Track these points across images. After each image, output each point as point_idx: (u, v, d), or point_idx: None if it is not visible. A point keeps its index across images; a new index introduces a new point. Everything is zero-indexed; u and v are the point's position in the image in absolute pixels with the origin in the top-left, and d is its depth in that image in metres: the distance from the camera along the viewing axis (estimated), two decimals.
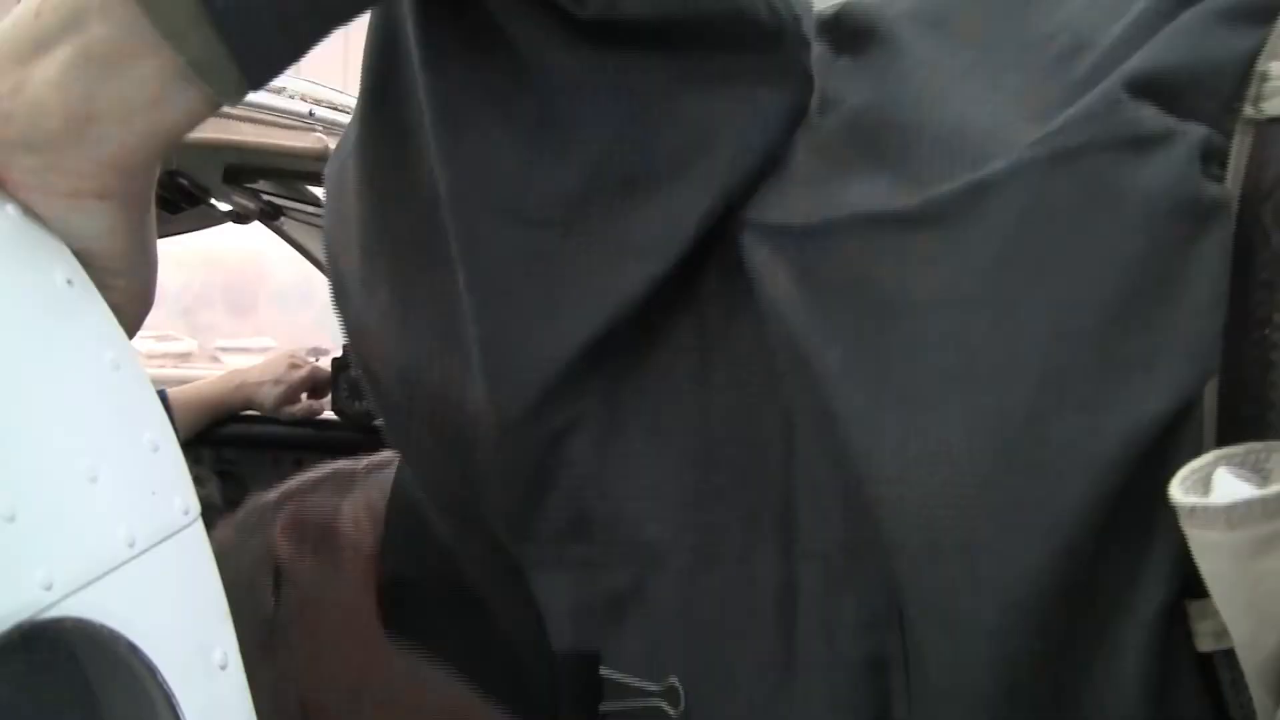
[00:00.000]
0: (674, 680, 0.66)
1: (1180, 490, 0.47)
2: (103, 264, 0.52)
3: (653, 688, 0.66)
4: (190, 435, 1.77)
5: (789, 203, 0.61)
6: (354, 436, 1.73)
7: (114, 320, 0.51)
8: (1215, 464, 0.48)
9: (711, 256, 0.63)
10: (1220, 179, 0.53)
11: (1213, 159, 0.53)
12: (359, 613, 0.81)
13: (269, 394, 1.82)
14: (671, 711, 0.66)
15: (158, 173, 0.55)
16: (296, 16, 0.52)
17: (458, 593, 0.78)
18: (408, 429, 0.71)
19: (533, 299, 0.62)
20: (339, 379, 1.77)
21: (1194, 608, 0.52)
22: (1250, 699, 0.50)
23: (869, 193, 0.59)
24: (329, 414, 1.83)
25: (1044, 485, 0.53)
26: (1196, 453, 0.50)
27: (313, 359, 1.93)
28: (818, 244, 0.60)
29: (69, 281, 0.50)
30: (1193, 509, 0.46)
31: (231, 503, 1.54)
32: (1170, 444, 0.52)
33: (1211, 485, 0.47)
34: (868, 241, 0.58)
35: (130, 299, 0.55)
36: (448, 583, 0.78)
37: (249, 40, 0.50)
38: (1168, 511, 0.49)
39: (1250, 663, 0.49)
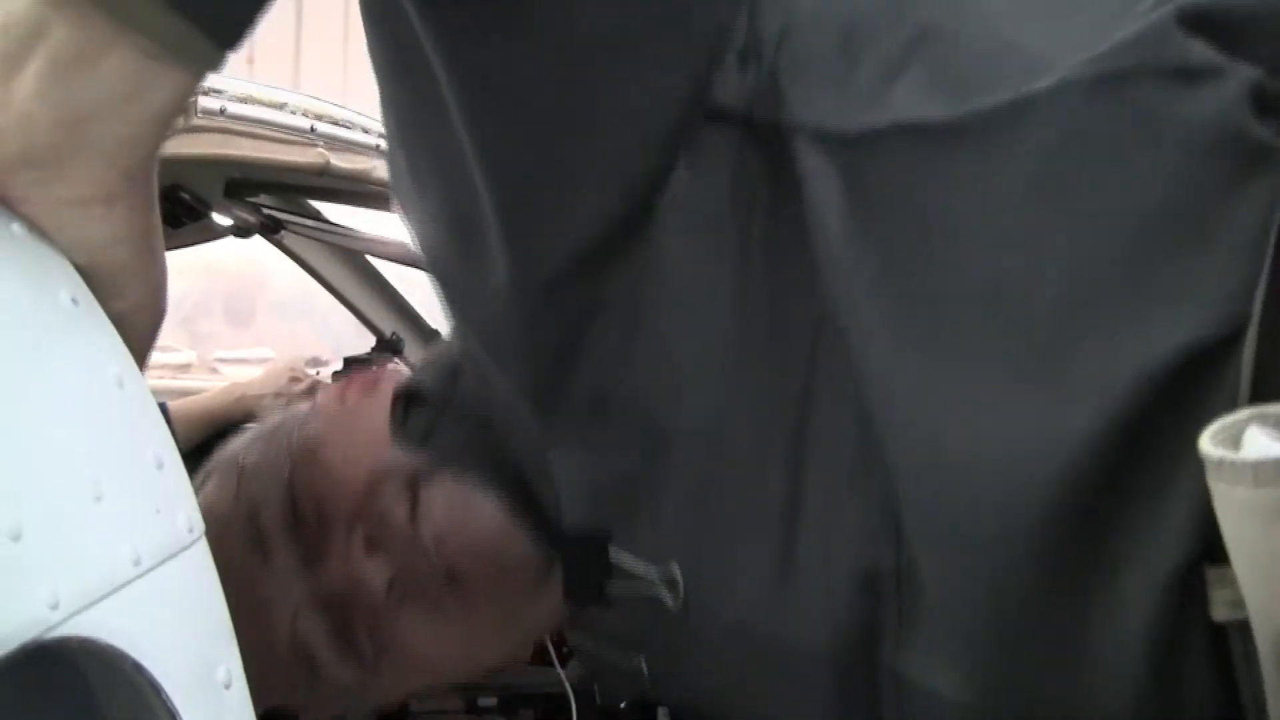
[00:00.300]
0: (675, 568, 0.67)
1: (1210, 443, 0.47)
2: (113, 272, 0.52)
3: (655, 575, 0.68)
4: (191, 448, 1.77)
5: (846, 111, 0.61)
6: None
7: (118, 337, 0.51)
8: (1248, 421, 0.47)
9: (760, 157, 0.63)
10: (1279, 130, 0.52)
11: (1270, 108, 0.52)
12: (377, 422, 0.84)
13: (270, 407, 1.82)
14: (670, 601, 0.68)
15: (157, 170, 0.54)
16: None
17: (481, 440, 0.79)
18: (449, 310, 0.74)
19: (544, 182, 0.64)
20: None
21: (1213, 573, 0.52)
22: (1260, 673, 0.50)
23: (916, 102, 0.60)
24: None
25: (1056, 411, 0.53)
26: (1230, 408, 0.49)
27: (312, 370, 1.93)
28: (866, 153, 0.60)
29: (73, 300, 0.50)
30: (1220, 462, 0.46)
31: None
32: (1199, 393, 0.51)
33: (1242, 442, 0.47)
34: (911, 153, 0.59)
35: (142, 307, 0.55)
36: (472, 425, 0.80)
37: (210, 13, 0.49)
38: (1196, 469, 0.48)
39: (1263, 633, 0.48)
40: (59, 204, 0.50)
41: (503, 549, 0.79)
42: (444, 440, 0.81)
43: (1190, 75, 0.53)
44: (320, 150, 1.12)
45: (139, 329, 0.54)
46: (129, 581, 0.44)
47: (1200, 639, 0.53)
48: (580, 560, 0.74)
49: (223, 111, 1.02)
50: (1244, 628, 0.50)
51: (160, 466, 0.49)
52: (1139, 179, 0.53)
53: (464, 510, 0.79)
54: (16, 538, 0.41)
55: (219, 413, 1.83)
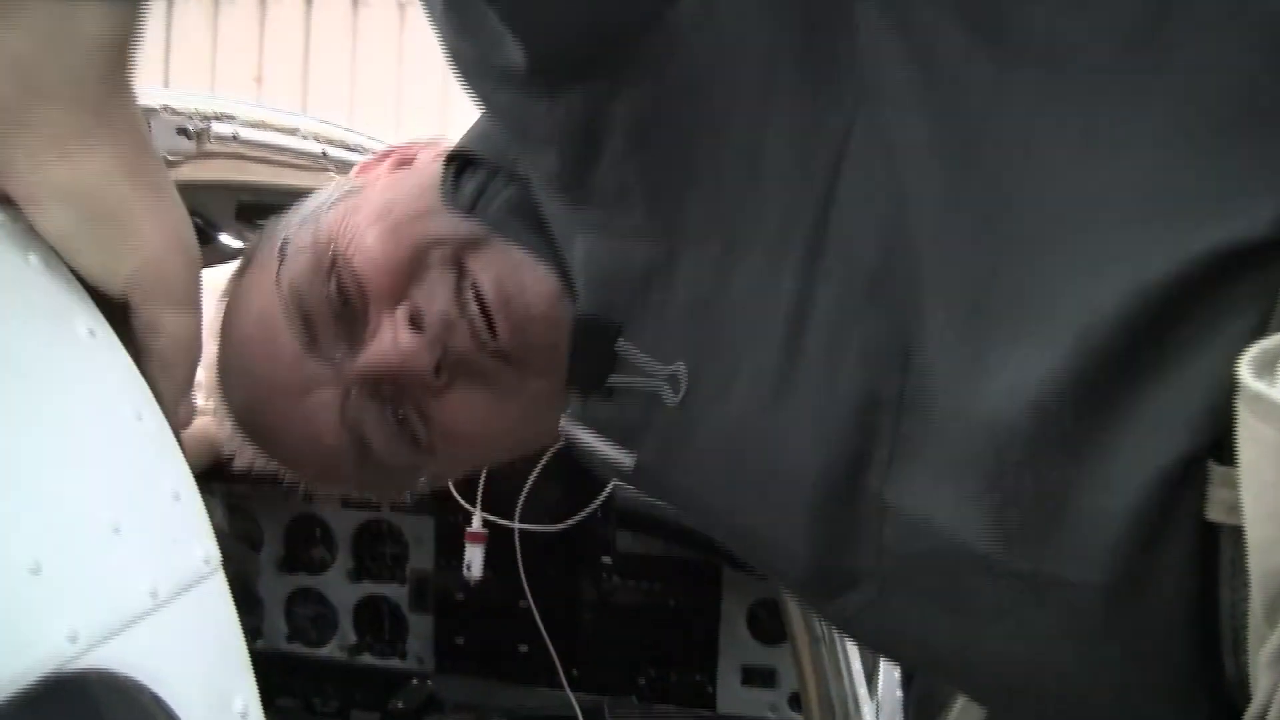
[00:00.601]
0: (679, 367, 0.67)
1: (1250, 370, 0.46)
2: (114, 210, 0.52)
3: (660, 369, 0.68)
4: (201, 470, 1.77)
5: None
6: None
7: (135, 370, 0.52)
8: None
9: None
10: None
11: None
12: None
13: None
14: (670, 398, 0.68)
15: (133, 110, 0.53)
16: None
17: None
18: (477, 101, 0.75)
19: None
20: None
21: (1217, 472, 0.51)
22: (1245, 584, 0.49)
23: None
24: None
25: (1096, 271, 0.53)
26: (1268, 310, 0.49)
27: None
28: None
29: (91, 332, 0.50)
30: (1256, 395, 0.45)
31: (242, 535, 1.54)
32: (1237, 290, 0.51)
33: (1277, 372, 0.46)
34: None
35: (164, 249, 0.54)
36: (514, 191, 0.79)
37: None
38: (1221, 365, 0.48)
39: (1258, 568, 0.48)
40: (35, 155, 0.50)
41: (552, 318, 0.77)
42: (497, 201, 0.80)
43: None
44: (332, 175, 1.12)
45: (169, 274, 0.54)
46: (147, 613, 0.45)
47: (1189, 533, 0.53)
48: (588, 347, 0.73)
49: (235, 137, 1.02)
50: (1236, 534, 0.49)
51: (177, 498, 0.49)
52: (1229, 62, 0.52)
53: (514, 280, 0.77)
54: (36, 571, 0.41)
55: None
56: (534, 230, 0.77)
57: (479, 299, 0.75)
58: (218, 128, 0.98)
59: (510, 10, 0.64)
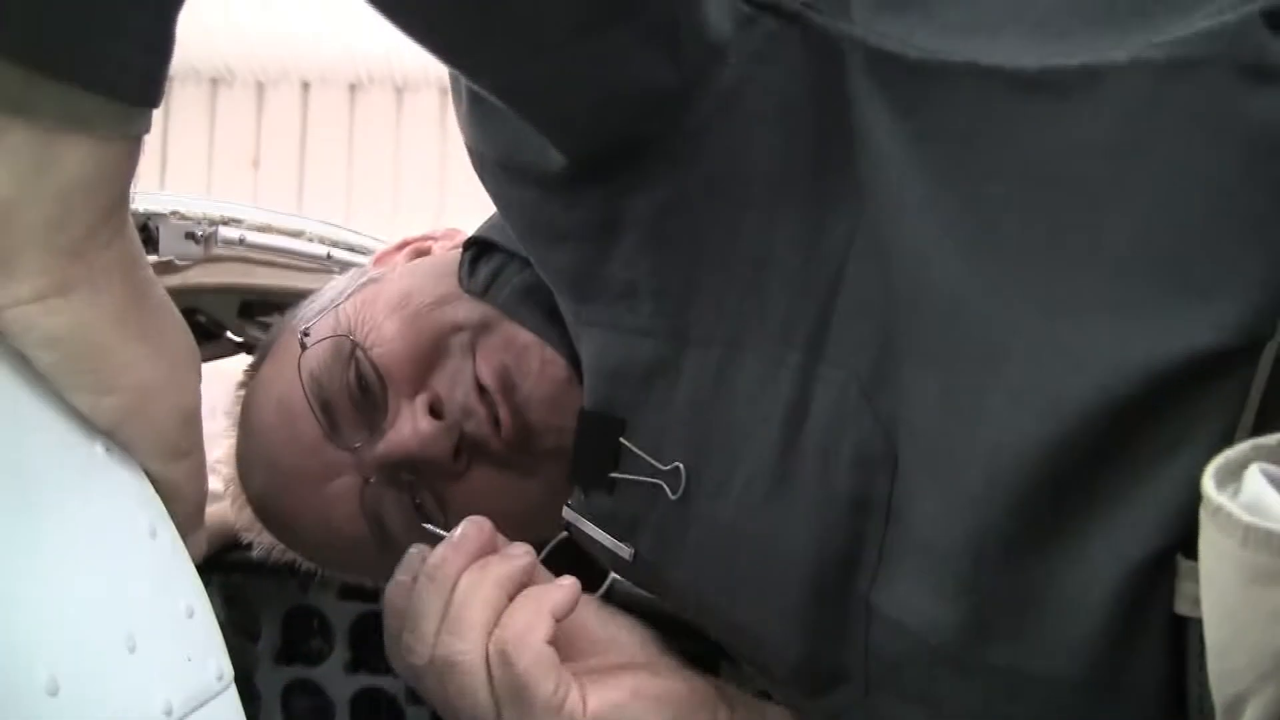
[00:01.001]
0: (679, 465, 0.69)
1: (1213, 479, 0.47)
2: (87, 361, 0.49)
3: (661, 467, 0.70)
4: (199, 561, 1.76)
5: (910, 36, 0.61)
6: None
7: (150, 486, 0.53)
8: (1250, 456, 0.47)
9: (814, 62, 0.63)
10: None
11: None
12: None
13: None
14: (671, 494, 0.69)
15: (123, 254, 0.50)
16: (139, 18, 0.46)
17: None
18: (496, 197, 0.76)
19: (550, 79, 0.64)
20: None
21: (1185, 566, 0.52)
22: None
23: (991, 46, 0.60)
24: None
25: (1061, 374, 0.54)
26: (1236, 414, 0.51)
27: None
28: (928, 83, 0.60)
29: (106, 449, 0.51)
30: (1217, 508, 0.46)
31: (239, 628, 1.54)
32: (1207, 394, 0.52)
33: (1243, 481, 0.46)
34: (979, 93, 0.59)
35: (140, 403, 0.51)
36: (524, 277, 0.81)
37: (103, 77, 0.45)
38: (1189, 465, 0.49)
39: (1215, 669, 0.49)
40: (21, 304, 0.47)
41: (560, 401, 0.79)
42: (511, 285, 0.82)
43: (1263, 74, 0.53)
44: (336, 276, 1.14)
45: (153, 427, 0.52)
46: None
47: (1161, 626, 0.54)
48: (591, 443, 0.74)
49: (242, 241, 1.04)
50: (1202, 627, 0.50)
51: (191, 615, 0.50)
52: (1198, 169, 0.53)
53: (520, 366, 0.80)
54: (54, 693, 0.42)
55: (224, 527, 1.82)
56: (546, 314, 0.79)
57: (493, 394, 0.78)
58: (224, 232, 1.00)
59: (544, 118, 0.66)
